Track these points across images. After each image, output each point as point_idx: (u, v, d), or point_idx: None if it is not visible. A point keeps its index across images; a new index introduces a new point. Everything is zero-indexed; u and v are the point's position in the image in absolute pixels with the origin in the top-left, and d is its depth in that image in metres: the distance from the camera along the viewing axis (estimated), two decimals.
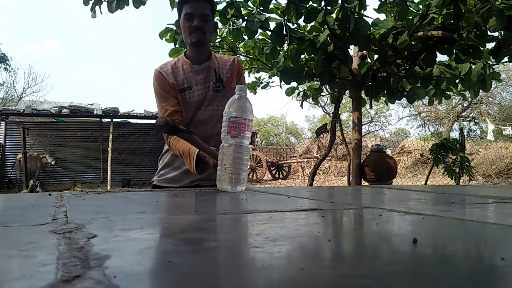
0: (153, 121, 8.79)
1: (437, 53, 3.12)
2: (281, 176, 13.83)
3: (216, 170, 1.33)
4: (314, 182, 5.39)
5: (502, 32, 2.86)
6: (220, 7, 2.85)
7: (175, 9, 3.13)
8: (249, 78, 4.59)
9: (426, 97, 4.22)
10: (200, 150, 1.53)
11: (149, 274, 0.33)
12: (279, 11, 3.03)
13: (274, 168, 13.85)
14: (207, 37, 1.66)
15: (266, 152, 14.71)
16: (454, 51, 3.04)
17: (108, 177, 9.22)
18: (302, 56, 3.38)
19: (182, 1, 1.64)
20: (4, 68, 18.18)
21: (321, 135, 11.27)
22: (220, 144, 1.55)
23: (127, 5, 2.78)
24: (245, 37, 3.32)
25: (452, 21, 2.83)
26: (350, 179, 4.16)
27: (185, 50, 1.73)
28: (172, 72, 1.67)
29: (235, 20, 3.18)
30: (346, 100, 11.73)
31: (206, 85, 1.68)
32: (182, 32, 1.67)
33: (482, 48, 3.13)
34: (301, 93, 4.62)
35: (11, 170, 9.83)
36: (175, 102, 1.64)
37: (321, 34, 3.09)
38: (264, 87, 4.61)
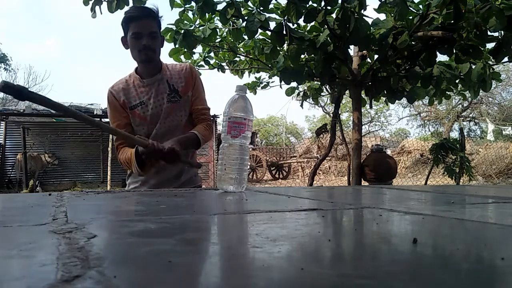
0: None
1: (437, 53, 3.12)
2: (281, 176, 13.84)
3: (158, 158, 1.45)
4: (314, 182, 5.39)
5: (502, 32, 2.86)
6: (220, 7, 2.85)
7: (175, 9, 3.15)
8: (249, 78, 4.59)
9: (426, 97, 4.21)
10: (133, 145, 1.57)
11: (149, 274, 0.33)
12: (279, 11, 3.02)
13: (274, 168, 13.85)
14: (157, 54, 1.70)
15: (266, 152, 14.71)
16: (454, 51, 3.04)
17: (108, 177, 9.22)
18: (302, 56, 3.37)
19: (128, 19, 1.65)
20: (4, 68, 18.18)
21: (321, 135, 11.27)
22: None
23: (127, 5, 2.78)
24: (245, 37, 3.32)
25: (452, 21, 2.82)
26: (350, 179, 4.16)
27: (136, 67, 1.76)
28: (123, 90, 1.72)
29: (235, 20, 3.17)
30: (346, 100, 11.73)
31: (159, 98, 1.72)
32: (131, 50, 1.69)
33: (482, 48, 3.13)
34: (301, 93, 4.62)
35: (11, 170, 9.83)
36: (124, 122, 1.71)
37: (321, 34, 3.09)
38: (264, 87, 4.60)
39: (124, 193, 1.07)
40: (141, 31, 1.62)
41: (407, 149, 14.06)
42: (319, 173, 12.52)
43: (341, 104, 5.22)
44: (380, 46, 3.15)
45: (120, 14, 2.87)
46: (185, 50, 3.57)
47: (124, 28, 1.67)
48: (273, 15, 3.02)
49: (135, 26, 1.62)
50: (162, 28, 3.19)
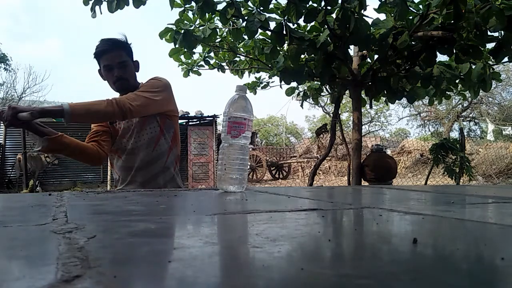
0: None
1: (437, 53, 3.12)
2: (281, 176, 13.84)
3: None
4: (314, 182, 5.39)
5: (502, 32, 2.86)
6: (220, 7, 2.85)
7: (175, 9, 3.15)
8: (249, 78, 4.59)
9: (426, 97, 4.21)
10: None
11: (149, 274, 0.33)
12: (279, 11, 3.02)
13: (274, 168, 13.85)
14: (130, 82, 1.81)
15: (266, 152, 14.72)
16: (454, 51, 3.04)
17: (108, 177, 9.22)
18: (302, 56, 3.37)
19: (97, 54, 1.77)
20: (4, 68, 18.12)
21: (321, 135, 11.28)
22: (157, 170, 1.85)
23: (127, 5, 2.78)
24: (245, 37, 3.32)
25: (452, 21, 2.82)
26: (350, 179, 4.16)
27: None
28: None
29: (235, 20, 3.17)
30: (346, 100, 11.74)
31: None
32: (106, 81, 1.81)
33: (482, 48, 3.13)
34: (301, 93, 4.61)
35: (11, 170, 9.83)
36: (101, 126, 1.88)
37: (321, 34, 3.09)
38: (264, 87, 4.60)
39: (124, 193, 1.07)
40: (111, 63, 1.74)
41: (407, 149, 14.06)
42: (319, 173, 12.52)
43: (341, 104, 5.21)
44: (380, 46, 3.15)
45: (120, 13, 2.87)
46: (185, 50, 3.57)
47: (98, 62, 1.79)
48: (273, 15, 3.01)
49: (105, 59, 1.75)
50: (163, 27, 3.18)
